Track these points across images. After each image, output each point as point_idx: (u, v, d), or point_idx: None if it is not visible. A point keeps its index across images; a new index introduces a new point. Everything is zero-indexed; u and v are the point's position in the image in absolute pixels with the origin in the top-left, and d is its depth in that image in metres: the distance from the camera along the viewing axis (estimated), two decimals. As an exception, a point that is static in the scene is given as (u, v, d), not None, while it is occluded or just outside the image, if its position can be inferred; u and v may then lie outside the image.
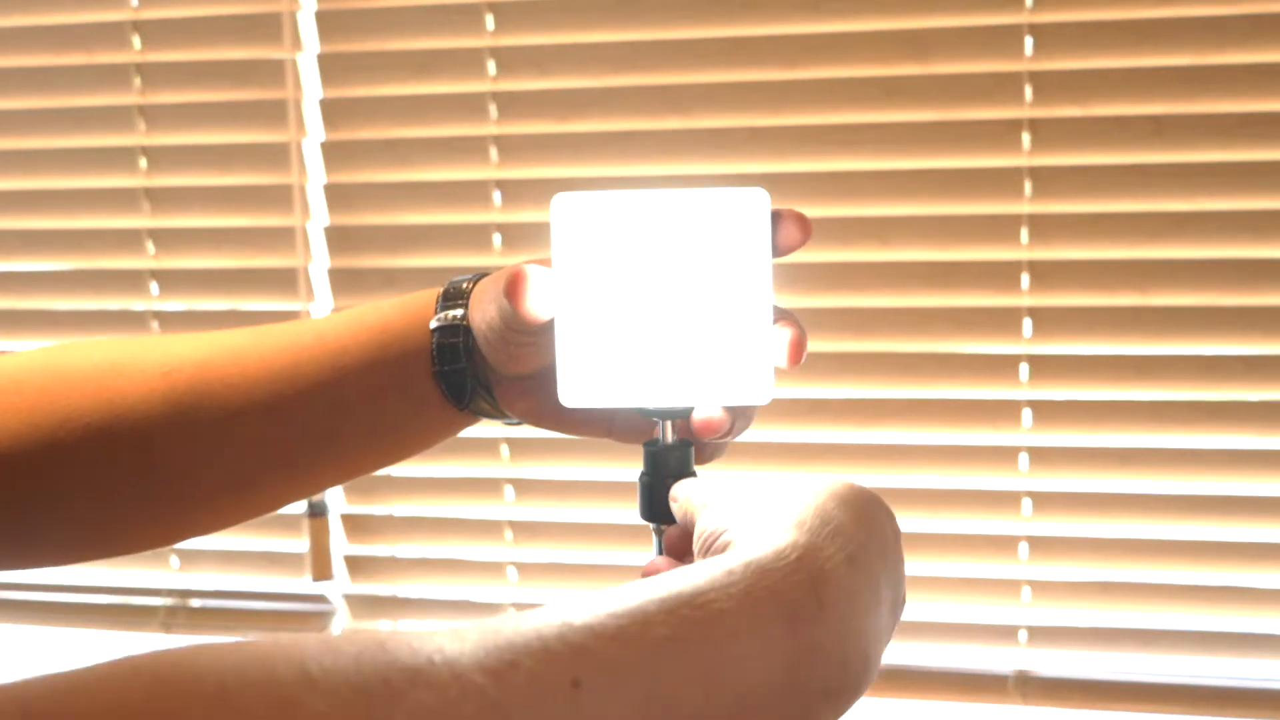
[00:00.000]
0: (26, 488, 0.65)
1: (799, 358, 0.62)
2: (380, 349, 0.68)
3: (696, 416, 0.63)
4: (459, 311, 0.68)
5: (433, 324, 0.68)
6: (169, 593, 1.67)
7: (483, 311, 0.66)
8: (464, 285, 0.69)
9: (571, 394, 0.63)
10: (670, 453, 0.64)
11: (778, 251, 0.62)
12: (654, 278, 0.61)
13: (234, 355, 0.68)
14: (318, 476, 0.71)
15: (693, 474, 0.64)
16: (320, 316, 0.71)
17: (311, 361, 0.68)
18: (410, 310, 0.69)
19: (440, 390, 0.68)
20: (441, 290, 0.69)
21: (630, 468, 1.52)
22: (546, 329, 0.64)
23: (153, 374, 0.67)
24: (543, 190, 1.48)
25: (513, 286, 0.62)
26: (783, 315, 0.63)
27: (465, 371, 0.67)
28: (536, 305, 0.62)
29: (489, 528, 1.57)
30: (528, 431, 1.49)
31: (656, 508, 0.63)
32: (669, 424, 0.64)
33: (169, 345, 0.69)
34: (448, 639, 0.41)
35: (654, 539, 0.64)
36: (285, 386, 0.67)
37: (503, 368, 0.67)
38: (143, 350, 0.69)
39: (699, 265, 0.61)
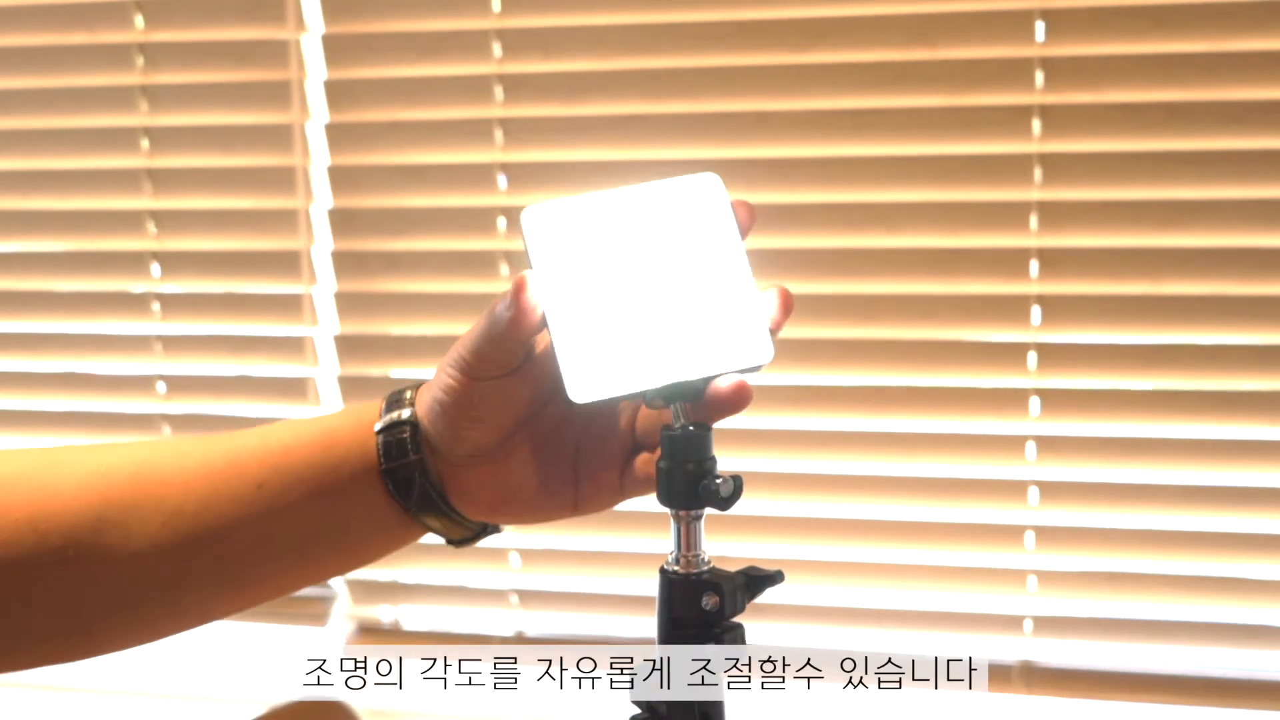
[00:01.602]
0: None
1: (789, 307, 0.64)
2: (324, 452, 0.68)
3: (722, 386, 0.63)
4: (404, 411, 0.67)
5: (377, 426, 0.67)
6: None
7: (431, 394, 0.66)
8: (406, 393, 0.69)
9: (580, 389, 0.62)
10: (688, 435, 0.63)
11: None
12: (634, 269, 0.63)
13: (175, 456, 0.68)
14: (257, 586, 0.70)
15: (712, 458, 0.63)
16: (264, 425, 0.70)
17: (255, 463, 0.67)
18: (354, 416, 0.69)
19: (388, 491, 0.67)
20: (384, 399, 0.69)
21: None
22: (510, 379, 0.64)
23: (90, 473, 0.67)
24: (549, 174, 1.47)
25: (515, 284, 0.61)
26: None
27: (413, 466, 0.67)
28: (532, 299, 0.61)
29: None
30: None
31: (675, 493, 0.63)
32: (680, 407, 0.63)
33: (106, 449, 0.69)
34: None
35: (672, 525, 0.64)
36: (224, 486, 0.67)
37: (453, 450, 0.66)
38: (81, 452, 0.69)
39: (673, 247, 0.63)
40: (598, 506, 0.69)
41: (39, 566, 0.65)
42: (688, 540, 0.64)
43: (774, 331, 0.63)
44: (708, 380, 0.63)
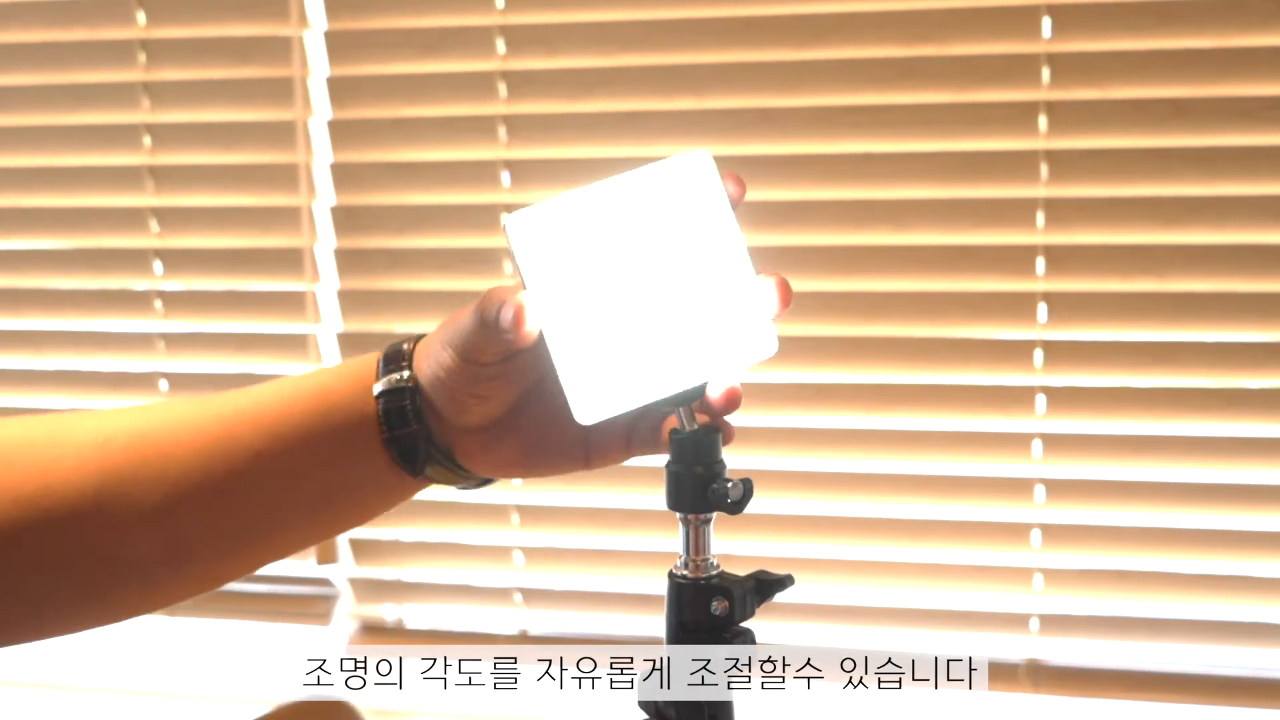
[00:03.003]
0: None
1: (789, 298, 0.63)
2: (322, 417, 0.66)
3: (713, 395, 0.62)
4: (403, 373, 0.66)
5: (377, 389, 0.66)
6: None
7: (431, 365, 0.65)
8: (404, 347, 0.67)
9: (586, 410, 0.61)
10: (697, 439, 0.62)
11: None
12: (629, 268, 0.61)
13: (170, 424, 0.67)
14: (262, 549, 0.69)
15: (721, 461, 0.62)
16: (258, 385, 0.69)
17: (251, 430, 0.66)
18: (349, 376, 0.67)
19: (391, 456, 0.66)
20: (381, 354, 0.68)
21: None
22: (511, 361, 0.63)
23: (88, 444, 0.66)
24: (552, 171, 1.47)
25: (514, 310, 0.60)
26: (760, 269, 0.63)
27: (417, 435, 0.66)
28: (531, 326, 0.60)
29: (496, 511, 1.55)
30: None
31: (684, 496, 0.62)
32: (685, 410, 0.62)
33: (105, 416, 0.68)
34: None
35: (680, 528, 0.63)
36: (223, 456, 0.66)
37: (458, 419, 0.65)
38: (79, 421, 0.68)
39: (667, 240, 0.61)
40: (607, 462, 0.68)
41: (49, 537, 0.65)
42: (696, 544, 0.63)
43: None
44: (704, 384, 0.62)
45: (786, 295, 0.62)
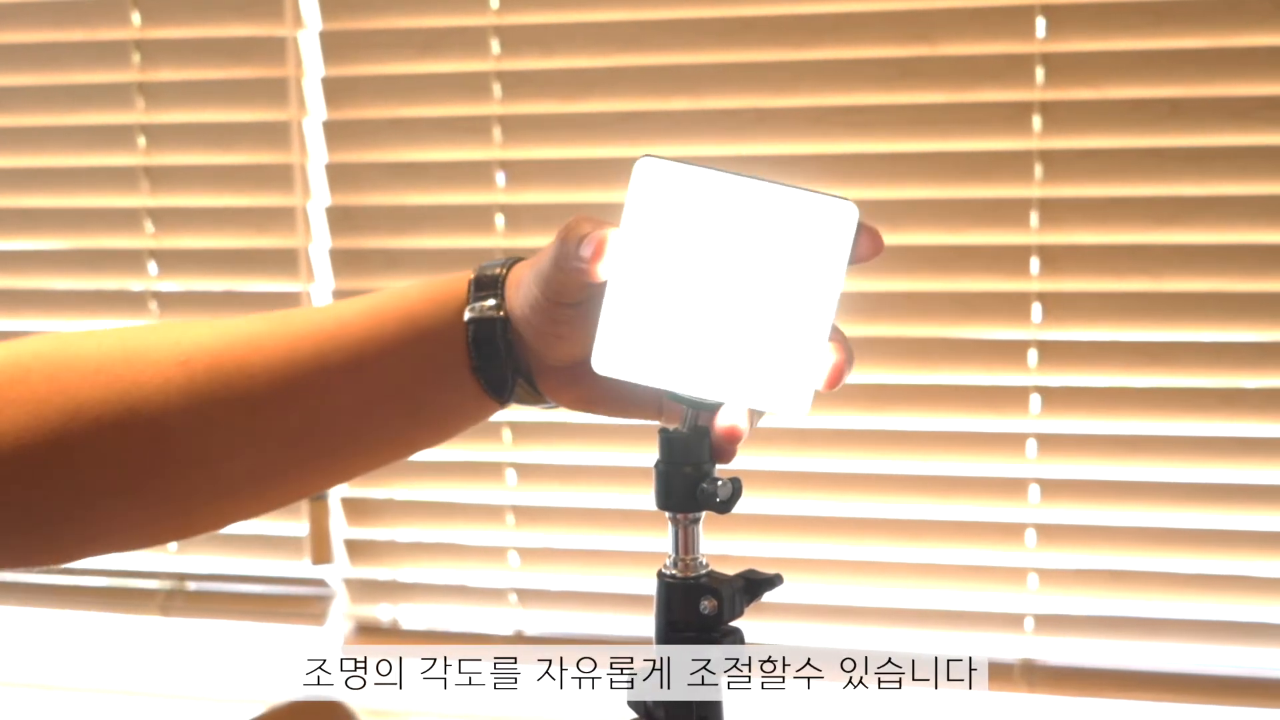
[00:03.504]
0: (33, 483, 0.62)
1: (836, 384, 0.60)
2: (410, 343, 0.65)
3: (721, 423, 0.61)
4: (493, 301, 0.65)
5: (467, 315, 0.65)
6: (167, 575, 1.66)
7: (522, 297, 0.64)
8: (497, 271, 0.66)
9: (604, 361, 0.60)
10: (688, 439, 0.62)
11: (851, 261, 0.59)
12: (721, 266, 0.58)
13: (253, 342, 0.65)
14: (344, 466, 0.69)
15: (710, 461, 0.62)
16: (339, 301, 0.68)
17: (336, 350, 0.65)
18: (438, 299, 0.66)
19: (479, 383, 0.66)
20: (472, 278, 0.66)
21: (633, 451, 1.51)
22: (592, 303, 0.61)
23: (168, 363, 0.64)
24: (547, 171, 1.47)
25: (595, 245, 0.59)
26: (835, 335, 0.60)
27: (505, 365, 0.65)
28: (605, 267, 0.59)
29: (491, 512, 1.55)
30: (531, 415, 1.48)
31: (673, 495, 0.62)
32: (692, 414, 0.62)
33: (183, 332, 0.66)
34: None
35: (669, 527, 0.63)
36: (307, 376, 0.65)
37: (547, 354, 0.65)
38: (157, 338, 0.66)
39: (770, 265, 0.58)
40: (675, 421, 0.66)
41: (131, 453, 0.64)
42: (685, 543, 0.63)
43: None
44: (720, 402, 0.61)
45: (836, 379, 0.60)
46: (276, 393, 0.65)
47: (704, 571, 0.63)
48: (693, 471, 0.62)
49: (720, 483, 0.61)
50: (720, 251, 0.58)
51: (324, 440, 0.67)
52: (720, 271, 0.59)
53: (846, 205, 0.58)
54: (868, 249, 0.59)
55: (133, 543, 0.68)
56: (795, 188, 0.58)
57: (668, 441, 0.62)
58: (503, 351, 0.65)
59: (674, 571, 0.63)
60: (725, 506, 0.61)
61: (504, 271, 0.66)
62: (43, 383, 0.63)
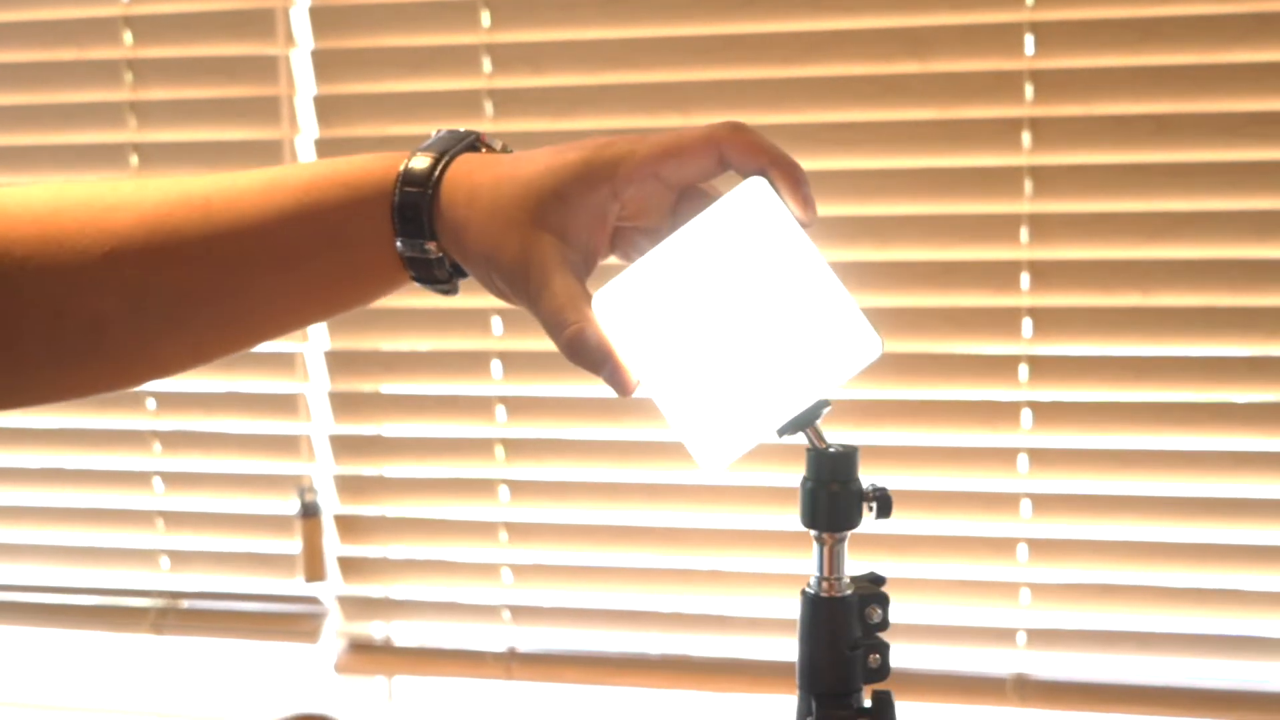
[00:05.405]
0: None
1: (808, 201, 0.61)
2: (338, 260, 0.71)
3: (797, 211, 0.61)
4: (430, 244, 0.68)
5: (400, 249, 0.69)
6: (159, 594, 1.65)
7: (474, 251, 0.67)
8: (427, 188, 0.66)
9: (713, 461, 0.61)
10: (835, 456, 0.62)
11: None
12: (718, 319, 0.60)
13: (175, 238, 0.67)
14: (260, 325, 0.71)
15: (855, 475, 0.62)
16: (260, 191, 0.74)
17: (264, 253, 0.69)
18: (361, 209, 0.69)
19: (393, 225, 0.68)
20: (395, 201, 0.67)
21: (624, 467, 1.50)
22: None
23: (94, 254, 0.65)
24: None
25: (621, 380, 0.60)
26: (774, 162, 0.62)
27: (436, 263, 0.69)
28: (635, 381, 0.61)
29: (484, 529, 1.55)
30: (524, 433, 1.48)
31: (818, 514, 0.63)
32: (813, 431, 0.62)
33: (110, 218, 0.67)
34: None
35: (814, 546, 0.63)
36: (170, 209, 0.68)
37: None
38: (88, 217, 0.67)
39: (747, 275, 0.60)
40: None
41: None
42: (831, 563, 0.64)
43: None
44: (825, 400, 0.61)
45: (805, 201, 0.61)
46: (145, 221, 0.67)
47: (849, 592, 0.65)
48: (840, 490, 0.62)
49: (879, 493, 0.63)
50: (708, 309, 0.60)
51: (191, 272, 0.68)
52: (723, 316, 0.60)
53: (752, 180, 0.60)
54: (798, 200, 0.61)
55: (48, 394, 0.69)
56: (708, 209, 0.60)
57: (815, 458, 0.62)
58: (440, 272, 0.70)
59: (818, 591, 0.64)
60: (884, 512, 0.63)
61: (432, 190, 0.66)
62: None
